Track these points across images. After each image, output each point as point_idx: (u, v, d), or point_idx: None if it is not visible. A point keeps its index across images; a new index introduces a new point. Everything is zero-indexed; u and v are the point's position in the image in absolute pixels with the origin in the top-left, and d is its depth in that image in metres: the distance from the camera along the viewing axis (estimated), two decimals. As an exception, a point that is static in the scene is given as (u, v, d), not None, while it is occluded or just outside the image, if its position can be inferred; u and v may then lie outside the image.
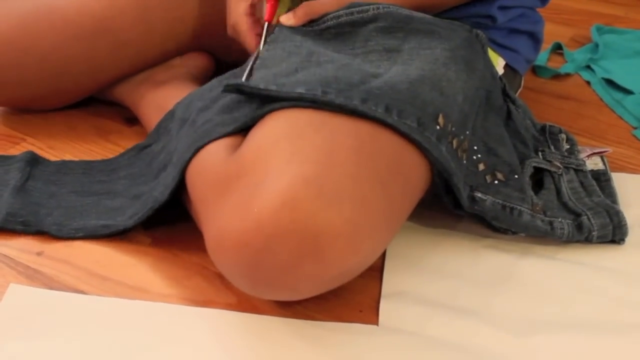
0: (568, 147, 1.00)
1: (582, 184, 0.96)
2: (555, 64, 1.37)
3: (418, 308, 0.83)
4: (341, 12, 0.94)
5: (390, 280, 0.86)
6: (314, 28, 0.95)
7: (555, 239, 0.90)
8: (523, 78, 1.14)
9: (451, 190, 0.86)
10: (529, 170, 0.93)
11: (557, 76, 1.34)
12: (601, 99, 1.27)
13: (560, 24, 1.51)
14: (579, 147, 1.02)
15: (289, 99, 0.80)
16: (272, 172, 0.74)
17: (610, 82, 1.30)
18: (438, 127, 0.81)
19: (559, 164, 0.96)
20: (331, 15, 0.95)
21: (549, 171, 0.95)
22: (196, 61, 1.17)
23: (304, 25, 0.95)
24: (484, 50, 0.95)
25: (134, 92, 1.14)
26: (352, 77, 0.83)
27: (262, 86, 0.82)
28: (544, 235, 0.90)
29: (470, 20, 1.02)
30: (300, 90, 0.80)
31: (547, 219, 0.89)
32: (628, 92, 1.27)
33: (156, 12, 1.11)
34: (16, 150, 1.08)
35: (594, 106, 1.26)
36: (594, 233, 0.90)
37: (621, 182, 1.02)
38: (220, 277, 0.85)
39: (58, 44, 1.07)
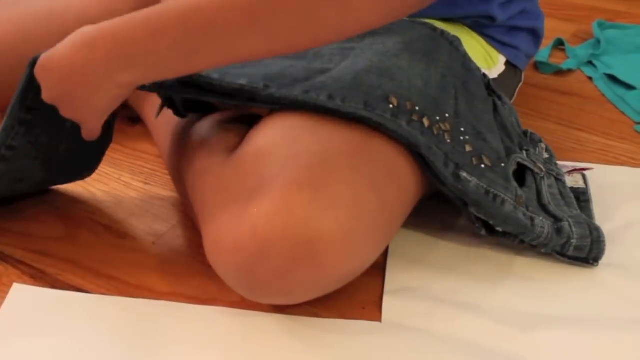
0: (547, 156, 0.98)
1: (561, 193, 0.93)
2: (557, 60, 1.37)
3: (421, 304, 0.83)
4: None
5: (393, 277, 0.87)
6: None
7: (530, 240, 0.86)
8: (523, 73, 1.14)
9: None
10: (513, 164, 0.90)
11: (559, 72, 1.34)
12: (603, 95, 1.27)
13: (562, 20, 1.51)
14: (560, 162, 0.99)
15: (229, 90, 0.80)
16: (268, 177, 0.74)
17: (612, 78, 1.30)
18: (391, 106, 0.80)
19: (541, 166, 0.94)
20: None
21: (532, 171, 0.93)
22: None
23: None
24: (454, 46, 0.94)
25: (137, 92, 1.13)
26: (297, 74, 0.83)
27: (203, 74, 0.81)
28: (521, 232, 0.85)
29: (469, 20, 1.02)
30: (243, 82, 0.80)
31: (529, 213, 0.85)
32: (630, 87, 1.27)
33: None
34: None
35: (596, 102, 1.26)
36: (572, 241, 0.86)
37: (623, 176, 1.03)
38: (224, 275, 0.86)
39: None
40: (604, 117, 1.21)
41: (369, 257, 0.80)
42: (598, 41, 1.41)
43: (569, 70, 1.34)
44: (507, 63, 1.06)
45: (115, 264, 0.89)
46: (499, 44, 1.05)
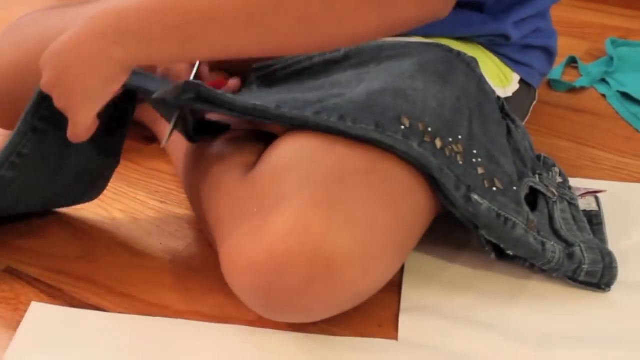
0: (561, 181, 0.97)
1: (574, 217, 0.92)
2: (570, 78, 1.37)
3: (437, 322, 0.83)
4: (314, 54, 0.96)
5: (409, 295, 0.87)
6: (287, 71, 0.96)
7: (541, 265, 0.85)
8: (537, 91, 1.14)
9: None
10: (525, 189, 0.89)
11: (572, 90, 1.34)
12: (617, 112, 1.27)
13: (575, 38, 1.52)
14: (573, 185, 0.98)
15: (241, 108, 0.81)
16: (284, 195, 0.75)
17: (626, 95, 1.30)
18: (403, 127, 0.80)
19: (554, 191, 0.93)
20: (304, 57, 0.97)
21: (544, 195, 0.92)
22: (209, 77, 1.18)
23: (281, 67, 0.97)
24: (471, 67, 0.94)
25: (152, 111, 1.14)
26: (310, 98, 0.84)
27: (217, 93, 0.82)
28: (532, 256, 0.84)
29: (484, 39, 1.02)
30: (255, 102, 0.81)
31: (540, 238, 0.85)
32: (643, 104, 1.27)
33: None
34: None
35: (610, 119, 1.26)
36: (584, 266, 0.85)
37: (638, 193, 1.03)
38: (240, 293, 0.86)
39: None
40: (617, 135, 1.21)
41: (386, 275, 0.80)
42: (611, 59, 1.41)
43: (582, 88, 1.34)
44: (521, 81, 1.07)
45: (132, 282, 0.89)
46: (512, 63, 1.05)
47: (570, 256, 0.85)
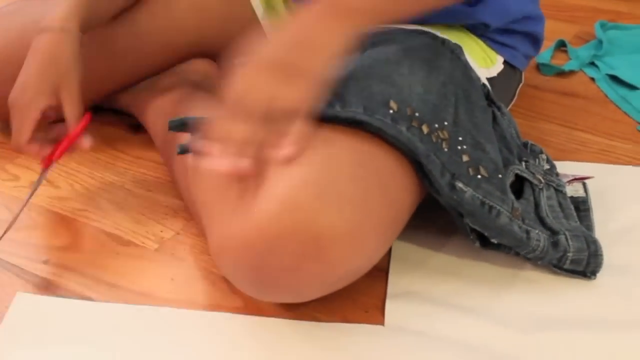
0: (548, 167, 0.96)
1: (560, 205, 0.91)
2: (559, 61, 1.37)
3: (424, 308, 0.83)
4: None
5: (396, 281, 0.87)
6: None
7: (526, 253, 0.84)
8: (523, 74, 1.14)
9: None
10: (510, 176, 0.88)
11: (561, 73, 1.33)
12: (606, 96, 1.27)
13: (564, 21, 1.51)
14: (560, 172, 0.98)
15: None
16: (273, 174, 0.74)
17: (614, 78, 1.29)
18: (391, 111, 0.80)
19: (541, 178, 0.92)
20: None
21: (530, 183, 0.91)
22: (199, 67, 1.17)
23: None
24: (455, 54, 0.93)
25: (138, 99, 1.14)
26: None
27: None
28: (516, 244, 0.83)
29: (467, 25, 1.02)
30: None
31: (524, 226, 0.84)
32: (633, 87, 1.26)
33: (151, 27, 1.11)
34: (20, 161, 1.09)
35: (599, 103, 1.25)
36: (569, 254, 0.85)
37: (627, 176, 1.03)
38: (227, 281, 0.86)
39: None
40: (606, 118, 1.21)
41: (376, 254, 0.80)
42: (600, 42, 1.41)
43: (571, 72, 1.34)
44: (506, 62, 1.06)
45: (119, 271, 0.89)
46: (495, 44, 1.05)
47: (555, 244, 0.85)
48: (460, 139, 0.84)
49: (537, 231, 0.84)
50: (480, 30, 1.02)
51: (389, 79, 0.83)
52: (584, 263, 0.85)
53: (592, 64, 1.35)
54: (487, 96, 0.95)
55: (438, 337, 0.80)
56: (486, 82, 1.02)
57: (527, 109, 1.21)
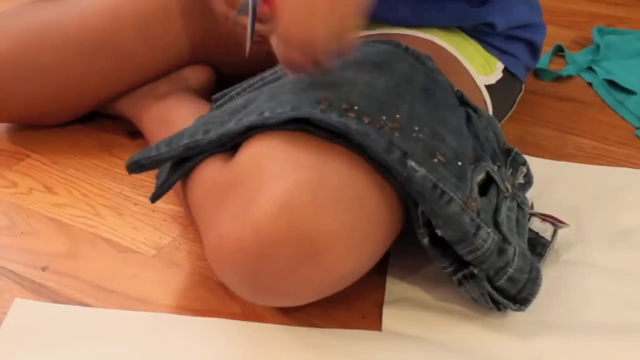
0: (522, 182, 0.92)
1: (517, 221, 0.86)
2: (557, 66, 1.37)
3: (421, 313, 0.83)
4: (266, 74, 0.97)
5: (393, 287, 0.87)
6: (242, 95, 0.96)
7: (467, 252, 0.78)
8: (524, 85, 1.13)
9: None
10: (479, 171, 0.83)
11: (558, 78, 1.34)
12: (603, 100, 1.27)
13: (561, 27, 1.51)
14: (537, 211, 0.90)
15: (178, 152, 0.84)
16: (268, 178, 0.74)
17: (612, 83, 1.30)
18: (322, 106, 0.78)
19: (509, 186, 0.87)
20: (258, 79, 0.97)
21: (497, 186, 0.85)
22: (197, 73, 1.18)
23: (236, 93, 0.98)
24: (420, 60, 0.89)
25: (136, 105, 1.15)
26: (238, 107, 0.86)
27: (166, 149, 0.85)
28: (461, 238, 0.77)
29: (470, 28, 1.02)
30: (185, 141, 0.84)
31: (477, 220, 0.78)
32: (630, 92, 1.27)
33: (157, 27, 1.12)
34: (21, 167, 1.09)
35: (596, 107, 1.26)
36: (509, 269, 0.78)
37: (624, 179, 1.04)
38: (224, 287, 0.86)
39: (60, 60, 1.08)
40: (603, 123, 1.21)
41: (372, 257, 0.80)
42: (598, 47, 1.41)
43: (569, 77, 1.34)
44: (506, 71, 1.06)
45: (116, 277, 0.89)
46: (497, 51, 1.05)
47: (501, 252, 0.79)
48: (416, 128, 0.80)
49: (489, 230, 0.79)
50: (484, 34, 1.02)
51: (330, 84, 0.82)
52: (520, 286, 0.80)
53: (590, 68, 1.36)
54: (461, 99, 0.91)
55: (435, 342, 0.80)
56: (484, 90, 1.02)
57: (524, 113, 1.21)
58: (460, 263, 0.81)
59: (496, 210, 0.83)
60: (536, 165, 1.05)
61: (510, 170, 0.92)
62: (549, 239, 0.89)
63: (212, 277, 0.88)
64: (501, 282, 0.79)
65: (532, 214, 0.90)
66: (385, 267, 0.89)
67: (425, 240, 0.80)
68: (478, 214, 0.79)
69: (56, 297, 0.86)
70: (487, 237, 0.78)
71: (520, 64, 1.09)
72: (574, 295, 0.86)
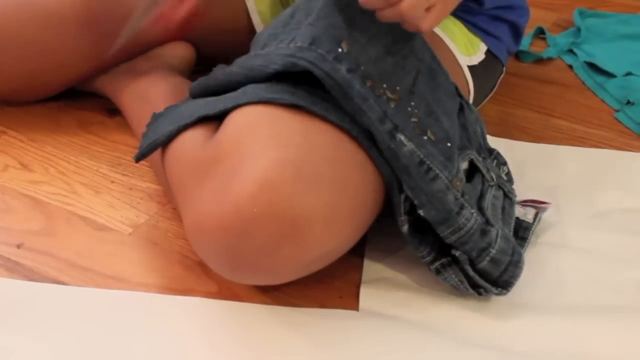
0: (505, 179, 0.91)
1: (503, 209, 0.86)
2: (538, 49, 1.37)
3: (398, 293, 0.83)
4: None
5: (371, 267, 0.87)
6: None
7: (450, 233, 0.78)
8: (505, 68, 1.13)
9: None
10: (464, 158, 0.84)
11: (539, 60, 1.34)
12: (583, 83, 1.27)
13: (543, 9, 1.51)
14: (519, 198, 0.91)
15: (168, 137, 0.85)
16: (250, 155, 0.74)
17: (592, 66, 1.30)
18: (340, 50, 0.77)
19: (493, 176, 0.87)
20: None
21: (482, 175, 0.85)
22: (177, 51, 1.17)
23: None
24: (427, 46, 0.88)
25: (115, 82, 1.13)
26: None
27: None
28: (445, 217, 0.77)
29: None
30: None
31: (461, 200, 0.78)
32: (610, 75, 1.27)
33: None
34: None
35: (576, 90, 1.26)
36: (492, 250, 0.78)
37: (604, 160, 1.05)
38: (201, 265, 0.85)
39: (40, 34, 1.07)
40: (583, 105, 1.21)
41: (352, 237, 0.80)
42: (579, 29, 1.41)
43: (549, 59, 1.34)
44: (488, 53, 1.06)
45: (92, 255, 0.89)
46: (481, 32, 1.05)
47: (484, 233, 0.79)
48: (413, 104, 0.80)
49: (472, 210, 0.79)
50: (469, 12, 1.01)
51: (350, 30, 0.80)
52: (502, 268, 0.79)
53: (570, 51, 1.36)
54: (456, 90, 0.91)
55: (412, 322, 0.80)
56: (467, 71, 1.02)
57: (504, 95, 1.21)
58: (439, 252, 0.81)
59: (481, 196, 0.84)
60: (516, 147, 1.05)
61: (495, 163, 0.92)
62: (531, 222, 0.89)
63: (190, 256, 0.88)
64: (483, 264, 0.79)
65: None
66: (363, 247, 0.89)
67: (405, 228, 0.80)
68: (462, 195, 0.79)
69: (31, 275, 0.86)
70: (470, 216, 0.78)
71: (503, 46, 1.09)
72: (552, 277, 0.86)
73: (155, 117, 0.93)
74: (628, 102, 1.19)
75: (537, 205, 0.90)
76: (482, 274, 0.80)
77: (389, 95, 0.79)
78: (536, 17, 1.44)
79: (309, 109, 0.78)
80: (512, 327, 0.80)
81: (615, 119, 1.17)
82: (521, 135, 1.11)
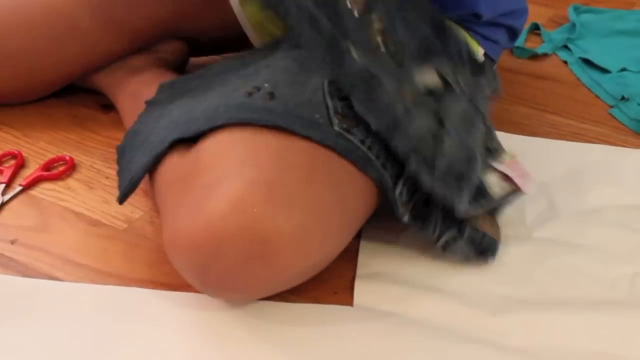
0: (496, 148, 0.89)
1: (469, 122, 0.85)
2: (533, 44, 1.37)
3: (393, 289, 0.83)
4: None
5: (365, 262, 0.87)
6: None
7: (398, 144, 0.78)
8: (497, 64, 1.13)
9: None
10: (427, 70, 0.83)
11: (534, 56, 1.34)
12: (578, 79, 1.27)
13: (538, 5, 1.51)
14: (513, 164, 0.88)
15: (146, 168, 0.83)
16: (225, 174, 0.74)
17: (587, 62, 1.30)
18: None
19: (463, 86, 0.85)
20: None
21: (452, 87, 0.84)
22: (170, 47, 1.17)
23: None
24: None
25: (109, 78, 1.13)
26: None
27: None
28: (392, 127, 0.78)
29: (456, 18, 1.01)
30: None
31: (410, 106, 0.79)
32: (605, 71, 1.27)
33: (123, 12, 1.10)
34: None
35: (571, 86, 1.26)
36: (444, 156, 0.79)
37: (597, 155, 1.05)
38: (195, 261, 0.85)
39: (25, 43, 1.07)
40: (578, 101, 1.21)
41: (327, 256, 0.80)
42: (573, 25, 1.41)
43: (545, 55, 1.34)
44: (485, 55, 1.06)
45: (86, 251, 0.88)
46: (480, 37, 1.05)
47: (436, 138, 0.80)
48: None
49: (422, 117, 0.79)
50: (469, 23, 1.02)
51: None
52: (468, 185, 0.80)
53: (565, 47, 1.36)
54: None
55: (407, 318, 0.80)
56: None
57: (499, 91, 1.21)
58: (442, 228, 0.82)
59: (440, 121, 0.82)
60: (510, 141, 1.04)
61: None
62: (495, 197, 0.85)
63: (184, 252, 0.88)
64: (440, 171, 0.78)
65: (493, 167, 0.87)
66: (358, 242, 0.89)
67: (406, 218, 0.81)
68: (415, 102, 0.79)
69: (25, 271, 0.86)
70: (421, 123, 0.78)
71: (499, 48, 1.09)
72: (545, 272, 0.86)
73: (121, 150, 0.91)
74: (623, 98, 1.19)
75: (515, 188, 0.86)
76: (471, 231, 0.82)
77: None
78: (531, 13, 1.42)
79: (288, 129, 0.78)
80: (507, 322, 0.80)
81: (610, 114, 1.17)
82: (515, 130, 1.11)
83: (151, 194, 0.90)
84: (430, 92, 0.82)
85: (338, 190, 0.78)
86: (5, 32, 1.06)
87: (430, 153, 0.79)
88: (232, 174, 0.74)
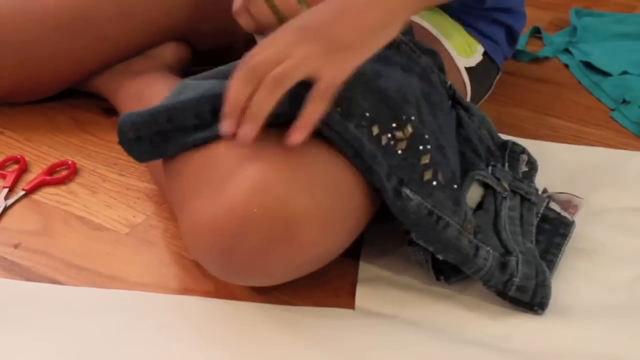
0: (526, 169, 0.92)
1: (522, 217, 0.86)
2: (534, 48, 1.37)
3: (394, 292, 0.83)
4: None
5: (367, 266, 0.87)
6: None
7: (472, 273, 0.79)
8: (501, 68, 1.13)
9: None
10: (469, 183, 0.83)
11: (535, 60, 1.34)
12: (579, 82, 1.27)
13: (539, 8, 1.51)
14: (556, 195, 0.92)
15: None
16: (245, 158, 0.74)
17: (588, 65, 1.30)
18: (339, 109, 0.76)
19: (506, 185, 0.87)
20: None
21: (493, 190, 0.86)
22: (173, 51, 1.17)
23: None
24: (412, 59, 0.87)
25: (112, 82, 1.14)
26: None
27: None
28: (462, 261, 0.78)
29: (458, 5, 1.01)
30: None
31: (475, 241, 0.79)
32: (606, 74, 1.27)
33: (136, 5, 1.11)
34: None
35: (572, 89, 1.26)
36: (515, 279, 0.79)
37: (599, 158, 1.05)
38: (197, 265, 0.85)
39: (37, 36, 1.07)
40: (579, 104, 1.21)
41: (347, 238, 0.80)
42: (575, 29, 1.41)
43: (546, 58, 1.34)
44: (485, 55, 1.07)
45: (89, 255, 0.89)
46: (478, 34, 1.05)
47: (503, 266, 0.80)
48: (427, 137, 0.80)
49: (487, 248, 0.80)
50: (468, 13, 1.01)
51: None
52: (530, 293, 0.80)
53: (567, 50, 1.36)
54: (453, 97, 0.91)
55: (408, 321, 0.80)
56: (464, 72, 1.02)
57: (501, 94, 1.21)
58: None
59: (496, 216, 0.84)
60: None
61: (509, 163, 0.92)
62: (570, 218, 0.89)
63: (186, 256, 0.88)
64: (512, 293, 0.80)
65: (549, 197, 0.91)
66: (359, 246, 0.89)
67: (431, 272, 0.83)
68: (475, 235, 0.80)
69: (28, 275, 0.86)
70: (488, 255, 0.79)
71: (499, 49, 1.09)
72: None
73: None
74: (624, 101, 1.19)
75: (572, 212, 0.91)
76: (515, 301, 0.80)
77: (398, 135, 0.78)
78: (532, 16, 1.44)
79: None
80: (507, 325, 0.80)
81: (611, 117, 1.17)
82: (517, 133, 1.11)
83: (159, 185, 0.90)
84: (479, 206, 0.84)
85: (356, 174, 0.77)
86: (18, 23, 1.07)
87: (502, 282, 0.80)
88: (252, 157, 0.74)
